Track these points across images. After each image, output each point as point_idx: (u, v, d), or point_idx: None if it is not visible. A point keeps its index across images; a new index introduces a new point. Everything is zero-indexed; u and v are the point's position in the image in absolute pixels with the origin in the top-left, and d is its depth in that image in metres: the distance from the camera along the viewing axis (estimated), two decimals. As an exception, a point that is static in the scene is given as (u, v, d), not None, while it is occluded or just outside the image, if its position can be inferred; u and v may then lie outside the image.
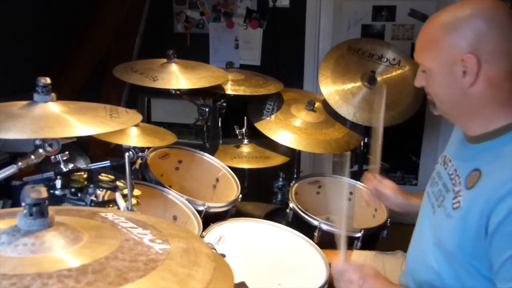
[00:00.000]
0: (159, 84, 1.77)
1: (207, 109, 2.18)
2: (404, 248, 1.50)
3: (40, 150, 1.13)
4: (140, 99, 3.30)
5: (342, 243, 1.25)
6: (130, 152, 1.47)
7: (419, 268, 1.24)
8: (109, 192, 1.51)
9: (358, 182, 2.07)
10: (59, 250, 0.63)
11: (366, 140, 2.22)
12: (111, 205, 1.38)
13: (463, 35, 1.05)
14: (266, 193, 2.38)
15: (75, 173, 1.35)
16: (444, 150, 1.33)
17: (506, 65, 1.04)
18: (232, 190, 1.93)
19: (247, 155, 2.16)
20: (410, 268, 1.31)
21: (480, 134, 1.11)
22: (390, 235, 1.77)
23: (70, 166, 1.36)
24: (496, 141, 1.08)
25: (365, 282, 1.15)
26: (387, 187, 1.55)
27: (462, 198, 1.07)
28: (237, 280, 0.91)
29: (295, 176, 2.32)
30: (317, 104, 2.19)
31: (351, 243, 1.69)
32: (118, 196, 1.34)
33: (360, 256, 1.57)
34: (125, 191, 1.36)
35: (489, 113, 1.09)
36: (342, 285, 1.18)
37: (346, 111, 2.07)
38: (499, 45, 1.03)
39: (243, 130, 2.20)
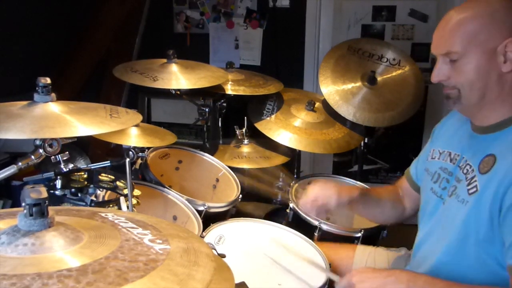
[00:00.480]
0: (159, 84, 1.77)
1: (207, 109, 2.18)
2: (408, 246, 1.50)
3: (40, 150, 1.13)
4: (140, 99, 3.30)
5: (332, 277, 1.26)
6: (130, 152, 1.47)
7: (427, 261, 1.25)
8: (109, 192, 1.52)
9: (358, 182, 2.08)
10: (59, 250, 0.64)
11: (366, 140, 2.21)
12: (111, 205, 1.38)
13: (502, 21, 1.08)
14: (266, 193, 2.38)
15: (75, 173, 1.35)
16: (439, 145, 1.34)
17: None
18: (232, 190, 1.93)
19: (247, 155, 2.16)
20: (417, 262, 1.32)
21: (495, 123, 1.14)
22: (390, 235, 1.77)
23: (70, 166, 1.36)
24: (510, 128, 1.12)
25: (364, 278, 1.13)
26: (323, 194, 1.43)
27: (478, 183, 1.11)
28: (237, 280, 0.91)
29: (295, 176, 2.32)
30: (317, 104, 2.19)
31: (351, 243, 1.69)
32: (122, 200, 1.35)
33: (364, 251, 1.57)
34: (125, 191, 1.36)
35: (509, 98, 1.13)
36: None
37: (346, 111, 2.07)
38: None
39: (243, 130, 2.20)
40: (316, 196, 1.43)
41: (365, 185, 2.06)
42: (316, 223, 1.67)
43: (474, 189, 1.11)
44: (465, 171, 1.17)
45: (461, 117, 1.31)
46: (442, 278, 1.12)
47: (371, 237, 1.73)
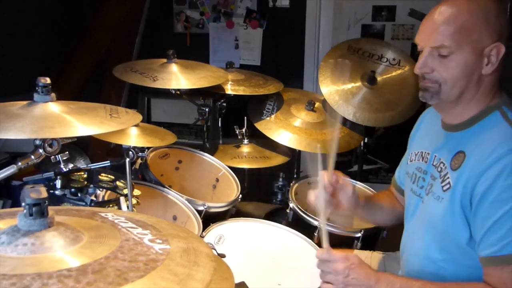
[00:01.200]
0: (159, 84, 1.77)
1: (207, 109, 2.18)
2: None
3: (40, 150, 1.13)
4: (140, 99, 3.30)
5: (324, 233, 1.18)
6: (130, 152, 1.47)
7: (413, 259, 1.27)
8: (109, 192, 1.52)
9: (358, 182, 2.08)
10: (59, 250, 0.63)
11: (366, 140, 2.21)
12: (111, 205, 1.38)
13: (493, 23, 1.09)
14: (266, 193, 2.38)
15: (75, 173, 1.35)
16: (415, 148, 1.37)
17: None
18: (232, 190, 1.93)
19: (247, 155, 2.16)
20: (404, 261, 1.33)
21: (464, 121, 1.17)
22: (390, 235, 1.77)
23: (70, 166, 1.36)
24: (479, 124, 1.14)
25: (351, 272, 1.11)
26: (344, 179, 1.38)
27: (450, 179, 1.14)
28: (237, 280, 0.91)
29: (295, 176, 2.32)
30: (317, 104, 2.19)
31: (351, 243, 1.69)
32: (122, 200, 1.35)
33: (360, 256, 1.56)
34: (125, 191, 1.36)
35: (482, 99, 1.15)
36: (327, 276, 1.13)
37: (346, 111, 2.07)
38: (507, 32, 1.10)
39: (243, 130, 2.20)
40: (339, 177, 1.35)
41: (365, 185, 2.06)
42: (316, 223, 1.67)
43: (448, 185, 1.14)
44: (439, 169, 1.20)
45: (431, 118, 1.34)
46: (432, 275, 1.16)
47: (371, 238, 1.74)
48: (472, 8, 1.11)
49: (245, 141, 2.22)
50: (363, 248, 1.66)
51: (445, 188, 1.15)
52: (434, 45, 1.14)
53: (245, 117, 2.17)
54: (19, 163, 1.13)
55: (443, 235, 1.16)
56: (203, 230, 1.54)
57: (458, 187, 1.10)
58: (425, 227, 1.22)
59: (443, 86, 1.15)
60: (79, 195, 1.35)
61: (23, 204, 0.64)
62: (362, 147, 2.25)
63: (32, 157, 1.14)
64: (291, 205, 1.80)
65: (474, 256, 1.10)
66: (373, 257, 1.57)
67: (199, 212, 1.68)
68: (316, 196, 1.27)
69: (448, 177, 1.15)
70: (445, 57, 1.13)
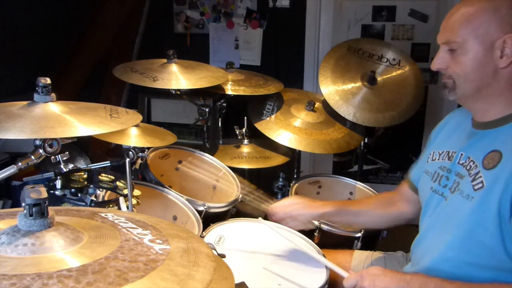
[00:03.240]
0: (159, 84, 1.77)
1: (207, 109, 2.18)
2: (404, 248, 1.51)
3: (40, 150, 1.13)
4: (140, 99, 3.30)
5: (334, 266, 1.30)
6: (130, 152, 1.47)
7: (426, 257, 1.26)
8: (109, 192, 1.51)
9: (358, 182, 2.08)
10: (59, 250, 0.63)
11: (366, 140, 2.21)
12: (111, 205, 1.38)
13: (505, 16, 1.09)
14: (266, 193, 2.38)
15: (75, 173, 1.35)
16: (438, 147, 1.35)
17: None
18: (232, 190, 1.93)
19: (247, 155, 2.16)
20: (416, 258, 1.33)
21: (498, 118, 1.15)
22: (390, 235, 1.77)
23: (70, 166, 1.36)
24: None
25: (376, 282, 1.16)
26: (292, 206, 1.56)
27: (484, 179, 1.11)
28: (237, 280, 0.91)
29: (295, 176, 2.32)
30: (317, 104, 2.19)
31: (351, 243, 1.69)
32: (122, 201, 1.34)
33: (360, 256, 1.57)
34: (125, 191, 1.36)
35: (510, 94, 1.13)
36: None
37: (346, 111, 2.07)
38: None
39: (243, 130, 2.20)
40: (291, 203, 1.54)
41: (365, 185, 2.06)
42: (316, 223, 1.67)
43: (480, 184, 1.11)
44: (468, 167, 1.17)
45: (459, 118, 1.32)
46: (444, 273, 1.14)
47: (371, 237, 1.73)
48: (482, 5, 1.11)
49: (245, 141, 2.22)
50: (363, 248, 1.66)
51: (476, 187, 1.12)
52: (444, 41, 1.17)
53: (245, 117, 2.17)
54: (19, 163, 1.13)
55: (467, 234, 1.13)
56: (203, 230, 1.54)
57: (496, 188, 1.07)
58: (446, 226, 1.20)
59: (457, 81, 1.17)
60: (79, 195, 1.35)
61: (23, 204, 0.64)
62: (362, 147, 2.25)
63: (32, 157, 1.14)
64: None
65: (498, 258, 1.09)
66: (373, 257, 1.57)
67: (199, 212, 1.68)
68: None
69: (480, 176, 1.12)
70: (454, 51, 1.15)
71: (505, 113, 1.14)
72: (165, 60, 1.91)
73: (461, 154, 1.22)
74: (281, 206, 1.56)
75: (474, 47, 1.12)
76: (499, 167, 1.09)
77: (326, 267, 1.36)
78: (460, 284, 1.10)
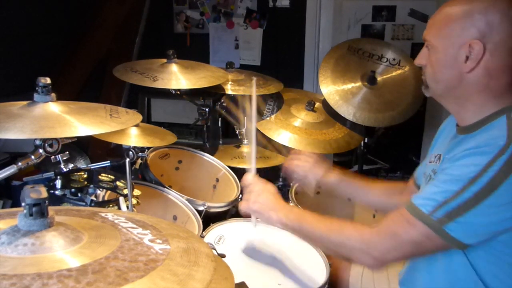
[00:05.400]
0: (159, 84, 1.77)
1: (207, 109, 2.18)
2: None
3: (40, 150, 1.13)
4: (140, 99, 3.30)
5: (253, 159, 1.42)
6: (130, 152, 1.47)
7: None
8: (109, 192, 1.52)
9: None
10: (59, 250, 0.63)
11: (366, 140, 2.21)
12: (111, 205, 1.38)
13: (476, 21, 1.09)
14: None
15: (75, 173, 1.35)
16: (436, 150, 1.37)
17: (506, 60, 1.09)
18: (232, 190, 1.93)
19: (247, 155, 2.16)
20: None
21: (471, 124, 1.16)
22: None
23: (70, 166, 1.36)
24: (483, 128, 1.13)
25: (261, 194, 1.30)
26: (307, 161, 1.58)
27: None
28: (237, 280, 0.91)
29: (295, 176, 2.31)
30: (317, 104, 2.19)
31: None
32: (122, 200, 1.35)
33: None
34: (125, 191, 1.36)
35: (479, 101, 1.14)
36: (245, 195, 1.33)
37: (346, 111, 2.07)
38: (506, 39, 1.07)
39: (243, 130, 2.20)
40: (311, 155, 1.57)
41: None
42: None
43: None
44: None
45: (451, 121, 1.33)
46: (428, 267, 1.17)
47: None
48: (459, 7, 1.12)
49: (245, 141, 2.22)
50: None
51: None
52: (423, 38, 1.20)
53: (245, 117, 2.17)
54: (19, 163, 1.13)
55: None
56: (203, 230, 1.54)
57: None
58: None
59: (430, 80, 1.19)
60: (79, 195, 1.35)
61: (23, 204, 0.64)
62: (362, 147, 2.25)
63: (32, 157, 1.14)
64: (291, 205, 1.80)
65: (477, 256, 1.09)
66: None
67: (199, 212, 1.68)
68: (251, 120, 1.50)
69: None
70: (428, 50, 1.18)
71: (478, 118, 1.15)
72: (165, 60, 1.92)
73: (445, 158, 1.23)
74: (302, 155, 1.59)
75: (442, 48, 1.13)
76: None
77: (326, 267, 1.37)
78: (316, 216, 1.22)
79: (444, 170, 1.08)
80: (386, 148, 3.19)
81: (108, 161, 1.59)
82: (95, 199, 1.38)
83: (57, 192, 1.33)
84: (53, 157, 1.27)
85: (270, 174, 2.17)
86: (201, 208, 1.69)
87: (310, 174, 1.55)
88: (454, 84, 1.14)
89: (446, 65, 1.14)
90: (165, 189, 1.73)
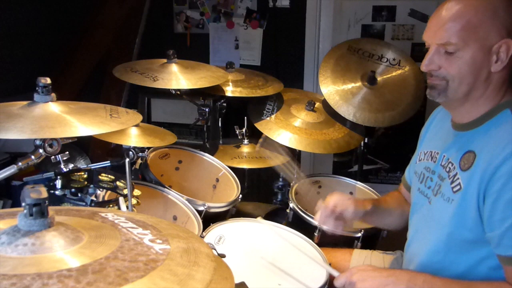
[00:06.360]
0: (159, 84, 1.77)
1: (207, 109, 2.18)
2: (403, 248, 1.51)
3: (40, 150, 1.13)
4: (140, 99, 3.30)
5: (327, 267, 1.32)
6: (130, 152, 1.47)
7: (417, 259, 1.27)
8: (109, 192, 1.52)
9: (358, 182, 2.08)
10: (59, 250, 0.63)
11: (366, 140, 2.21)
12: (111, 205, 1.38)
13: (503, 19, 1.07)
14: (266, 193, 2.38)
15: (75, 173, 1.35)
16: (424, 147, 1.35)
17: None
18: (232, 190, 1.93)
19: (247, 155, 2.16)
20: (408, 259, 1.33)
21: (473, 120, 1.15)
22: (390, 235, 1.77)
23: (70, 166, 1.36)
24: (488, 123, 1.12)
25: (365, 277, 1.15)
26: (342, 203, 1.41)
27: (461, 181, 1.11)
28: (237, 280, 0.91)
29: (295, 176, 2.31)
30: (317, 104, 2.19)
31: (351, 243, 1.69)
32: (122, 201, 1.34)
33: (360, 255, 1.57)
34: (125, 191, 1.36)
35: (492, 97, 1.13)
36: None
37: (346, 111, 2.07)
38: None
39: (243, 130, 2.20)
40: (335, 203, 1.39)
41: (365, 185, 2.06)
42: (316, 223, 1.67)
43: (458, 187, 1.12)
44: (447, 169, 1.18)
45: (442, 117, 1.31)
46: (434, 274, 1.14)
47: (371, 237, 1.73)
48: (479, 4, 1.09)
49: (245, 141, 2.22)
50: (363, 248, 1.66)
51: (455, 189, 1.13)
52: (440, 42, 1.13)
53: (245, 117, 2.17)
54: (19, 163, 1.13)
55: (450, 236, 1.14)
56: (203, 230, 1.54)
57: (471, 189, 1.08)
58: (431, 228, 1.21)
59: (451, 83, 1.14)
60: (79, 195, 1.35)
61: (23, 204, 0.64)
62: (362, 147, 2.25)
63: (32, 157, 1.14)
64: (291, 205, 1.80)
65: (476, 254, 1.10)
66: (373, 257, 1.57)
67: (199, 212, 1.68)
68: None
69: (458, 178, 1.12)
70: (451, 54, 1.12)
71: (481, 113, 1.14)
72: (165, 60, 1.92)
73: (443, 156, 1.22)
74: (328, 208, 1.42)
75: (473, 50, 1.09)
76: (473, 167, 1.09)
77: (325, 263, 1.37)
78: (449, 281, 1.10)
79: (502, 199, 1.02)
80: (386, 148, 3.19)
81: (108, 161, 1.59)
82: (95, 199, 1.38)
83: (57, 192, 1.33)
84: (53, 157, 1.27)
85: (270, 174, 2.17)
86: (201, 208, 1.69)
87: (347, 212, 1.41)
88: (479, 85, 1.12)
89: (477, 67, 1.10)
90: (165, 189, 1.73)
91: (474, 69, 1.11)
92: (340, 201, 1.41)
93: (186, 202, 1.70)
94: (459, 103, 1.18)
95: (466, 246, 1.13)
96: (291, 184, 1.98)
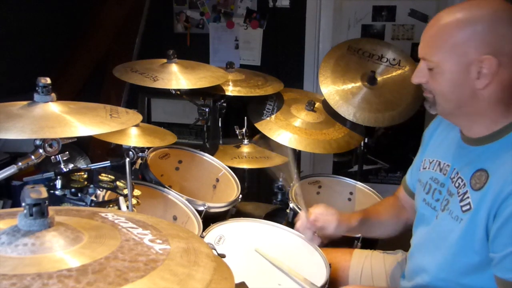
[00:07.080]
0: (159, 84, 1.77)
1: (207, 109, 2.18)
2: (404, 248, 1.51)
3: (40, 150, 1.13)
4: (140, 99, 3.30)
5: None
6: (130, 152, 1.47)
7: (422, 274, 1.25)
8: (109, 192, 1.51)
9: (358, 182, 2.08)
10: (59, 250, 0.63)
11: (366, 140, 2.21)
12: (111, 205, 1.38)
13: (486, 36, 1.04)
14: (266, 193, 2.38)
15: (75, 173, 1.35)
16: (429, 155, 1.32)
17: None
18: (232, 190, 1.93)
19: (247, 155, 2.16)
20: (410, 270, 1.32)
21: (484, 136, 1.12)
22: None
23: (70, 166, 1.36)
24: (501, 141, 1.09)
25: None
26: (324, 218, 1.45)
27: (471, 200, 1.08)
28: (237, 280, 0.91)
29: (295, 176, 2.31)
30: (317, 104, 2.19)
31: (351, 243, 1.69)
32: (122, 200, 1.34)
33: (360, 255, 1.57)
34: (125, 191, 1.36)
35: (494, 114, 1.10)
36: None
37: (346, 111, 2.07)
38: None
39: (243, 130, 2.20)
40: (316, 218, 1.44)
41: (365, 185, 2.06)
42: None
43: (468, 206, 1.09)
44: (456, 184, 1.15)
45: (448, 124, 1.28)
46: None
47: (371, 238, 1.73)
48: (462, 20, 1.06)
49: (245, 141, 2.22)
50: (363, 248, 1.66)
51: (464, 208, 1.09)
52: (422, 57, 1.14)
53: (245, 117, 2.17)
54: (19, 163, 1.13)
55: (456, 257, 1.12)
56: (203, 230, 1.54)
57: (482, 210, 1.05)
58: (436, 246, 1.19)
59: (437, 98, 1.14)
60: (79, 195, 1.35)
61: (23, 204, 0.64)
62: (362, 147, 2.25)
63: (32, 157, 1.14)
64: (291, 205, 1.80)
65: (480, 277, 1.09)
66: (373, 257, 1.57)
67: (199, 212, 1.68)
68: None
69: (468, 197, 1.09)
70: (432, 69, 1.12)
71: (491, 130, 1.11)
72: (165, 60, 1.92)
73: (454, 169, 1.19)
74: (308, 220, 1.46)
75: (450, 67, 1.08)
76: (485, 188, 1.05)
77: (326, 267, 1.36)
78: None
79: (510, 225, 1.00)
80: (386, 148, 3.19)
81: (108, 161, 1.59)
82: (95, 199, 1.38)
83: (57, 192, 1.33)
84: (53, 157, 1.27)
85: (270, 174, 2.17)
86: (201, 208, 1.69)
87: (328, 228, 1.45)
88: (466, 102, 1.10)
89: (456, 84, 1.08)
90: (165, 189, 1.73)
91: (454, 86, 1.09)
92: (322, 215, 1.45)
93: (186, 202, 1.70)
94: (453, 117, 1.18)
95: (472, 268, 1.10)
96: (291, 184, 1.98)
